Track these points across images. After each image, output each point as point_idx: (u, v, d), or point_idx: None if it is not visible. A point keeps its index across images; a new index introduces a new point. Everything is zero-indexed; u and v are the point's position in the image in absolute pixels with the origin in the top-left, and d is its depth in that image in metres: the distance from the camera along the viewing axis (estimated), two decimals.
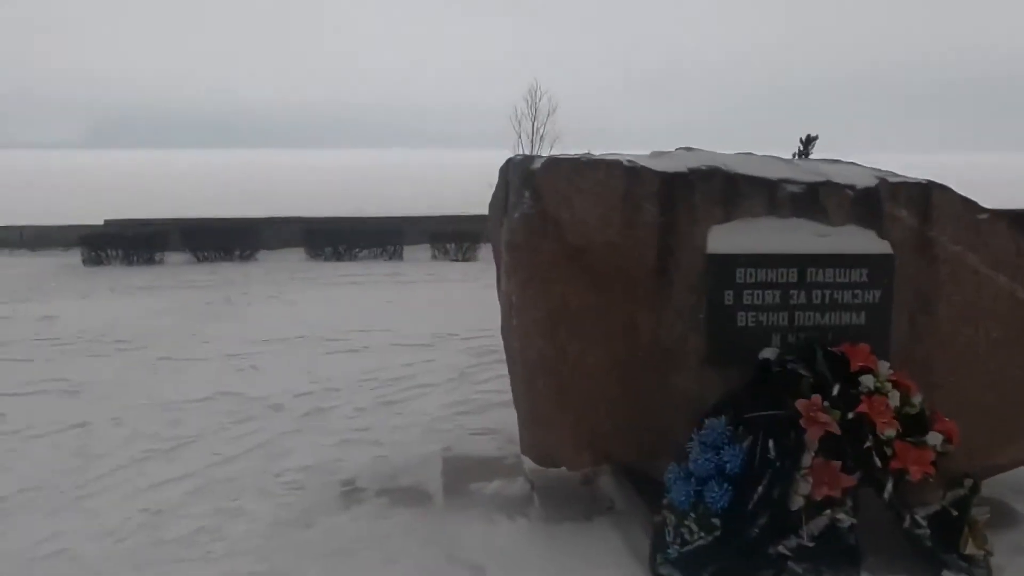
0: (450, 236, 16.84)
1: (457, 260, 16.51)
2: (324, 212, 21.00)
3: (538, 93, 36.78)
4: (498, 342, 4.80)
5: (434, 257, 16.83)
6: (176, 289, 12.58)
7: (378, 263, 15.98)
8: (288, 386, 6.95)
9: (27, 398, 6.64)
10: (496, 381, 6.71)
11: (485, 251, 17.18)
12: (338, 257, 16.21)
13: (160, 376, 7.35)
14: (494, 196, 4.76)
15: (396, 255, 16.53)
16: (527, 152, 37.20)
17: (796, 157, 31.50)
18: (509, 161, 4.46)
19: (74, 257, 15.85)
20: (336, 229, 16.75)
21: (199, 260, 15.84)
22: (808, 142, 30.83)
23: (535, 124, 38.89)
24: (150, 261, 15.49)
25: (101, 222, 17.66)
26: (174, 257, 15.83)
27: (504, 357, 4.67)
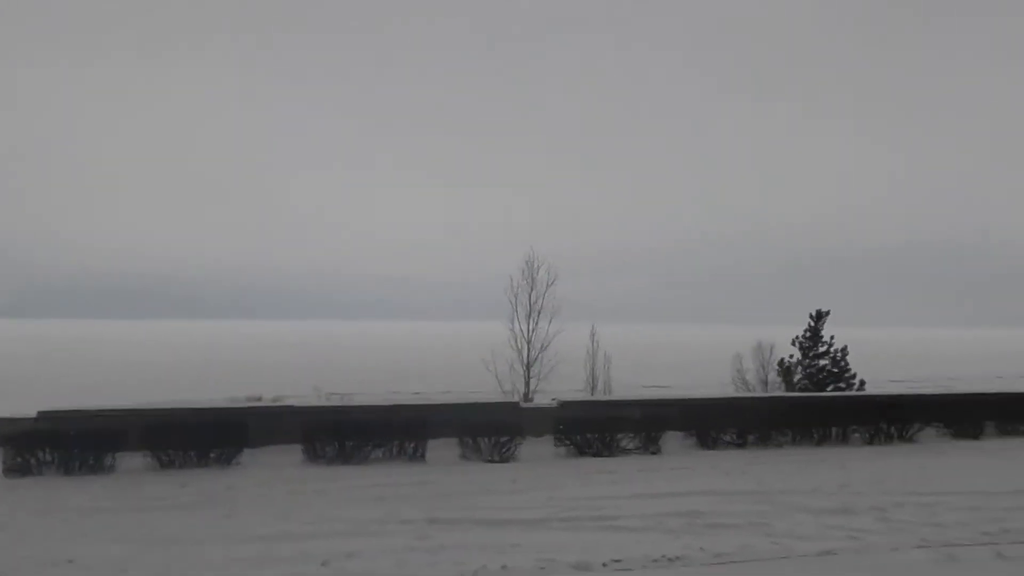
0: (482, 428, 14.38)
1: (493, 460, 13.94)
2: (310, 391, 18.45)
3: (535, 263, 35.70)
4: None
5: (463, 456, 14.23)
6: (139, 513, 9.71)
7: (399, 466, 13.28)
8: None
9: None
10: None
11: (527, 448, 14.68)
12: (344, 459, 13.49)
13: None
14: None
15: (418, 455, 13.89)
16: (524, 325, 35.40)
17: (807, 332, 30.06)
18: None
19: None
20: (340, 421, 14.12)
21: (163, 465, 12.98)
22: (819, 318, 29.99)
23: (532, 296, 37.22)
24: (97, 468, 12.58)
25: (33, 414, 14.78)
26: (130, 461, 12.95)
27: None
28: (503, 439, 14.19)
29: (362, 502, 10.39)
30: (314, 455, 13.52)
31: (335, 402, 19.16)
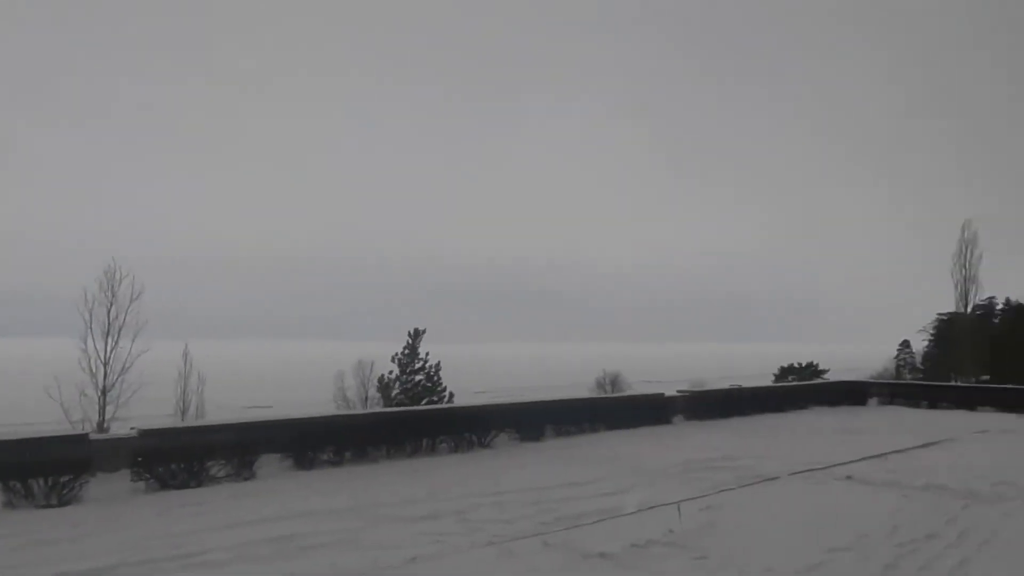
0: (35, 467, 12.22)
1: (50, 505, 11.94)
2: None
3: (117, 275, 31.75)
4: None
5: (8, 504, 11.92)
6: None
7: None
8: None
9: None
10: None
11: (97, 486, 12.81)
12: None
13: None
14: None
15: None
16: (101, 343, 31.32)
17: (406, 349, 32.57)
18: None
19: None
20: None
21: None
22: (416, 336, 32.57)
23: (112, 311, 33.20)
24: None
25: None
26: None
27: None
28: (64, 479, 12.24)
29: None
30: None
31: None
